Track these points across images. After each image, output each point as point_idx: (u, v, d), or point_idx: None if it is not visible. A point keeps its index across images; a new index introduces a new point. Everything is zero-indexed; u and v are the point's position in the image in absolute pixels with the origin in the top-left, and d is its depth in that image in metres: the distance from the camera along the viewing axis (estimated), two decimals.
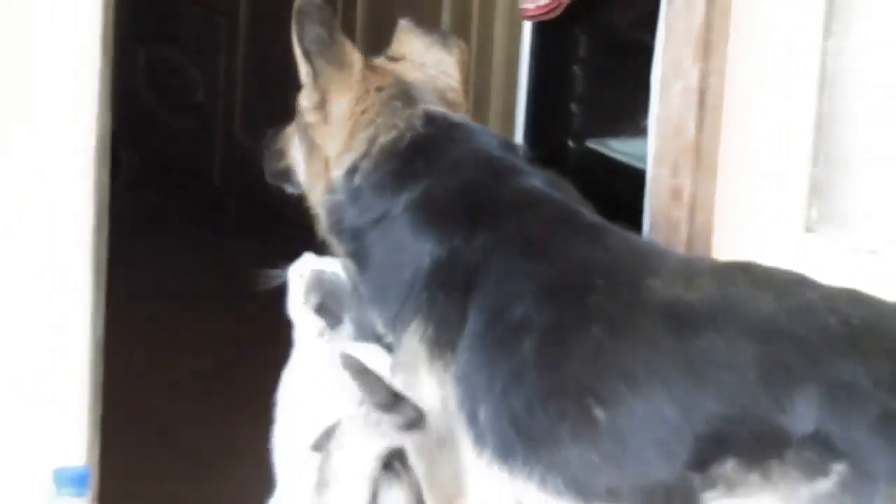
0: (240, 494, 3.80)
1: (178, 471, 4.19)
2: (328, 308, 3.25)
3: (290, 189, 3.23)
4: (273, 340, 3.35)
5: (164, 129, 6.55)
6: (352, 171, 2.97)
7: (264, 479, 3.28)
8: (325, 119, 3.00)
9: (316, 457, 3.08)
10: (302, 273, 3.17)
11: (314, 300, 3.21)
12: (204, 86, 6.43)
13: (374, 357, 3.11)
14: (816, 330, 2.71)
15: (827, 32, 3.23)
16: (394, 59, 3.13)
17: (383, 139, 2.97)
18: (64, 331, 3.12)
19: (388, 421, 2.91)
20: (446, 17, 5.29)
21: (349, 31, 5.17)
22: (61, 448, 3.17)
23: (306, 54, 2.94)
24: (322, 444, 3.09)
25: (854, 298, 2.77)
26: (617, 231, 2.99)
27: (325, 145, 3.05)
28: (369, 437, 3.04)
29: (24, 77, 3.08)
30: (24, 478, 3.18)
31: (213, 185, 6.33)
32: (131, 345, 4.12)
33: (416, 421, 2.92)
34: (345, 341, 3.29)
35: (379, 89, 3.00)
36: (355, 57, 2.97)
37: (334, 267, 3.19)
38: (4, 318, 3.12)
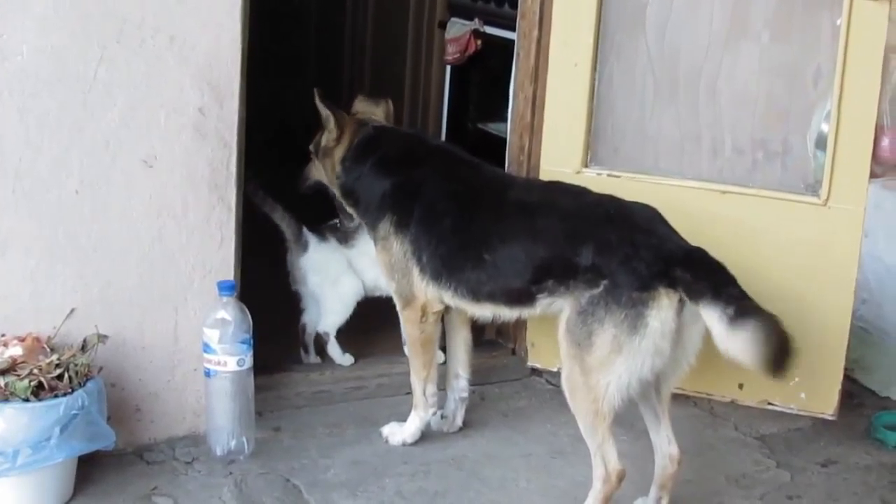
0: None
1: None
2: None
3: (309, 191, 4.75)
4: None
5: None
6: (344, 160, 4.48)
7: None
8: (339, 141, 4.49)
9: None
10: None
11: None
12: None
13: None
14: (592, 214, 4.02)
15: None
16: (356, 112, 4.63)
17: (355, 140, 4.47)
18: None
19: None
20: (410, 63, 7.29)
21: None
22: (223, 270, 4.41)
23: (332, 113, 4.48)
24: None
25: (612, 198, 4.11)
26: (489, 166, 4.55)
27: (336, 154, 4.50)
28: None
29: None
30: (205, 286, 4.35)
31: None
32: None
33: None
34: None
35: (356, 122, 4.51)
36: (344, 114, 4.51)
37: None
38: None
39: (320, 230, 5.13)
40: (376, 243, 4.43)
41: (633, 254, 3.84)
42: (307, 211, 5.17)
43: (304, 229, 5.15)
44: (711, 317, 3.69)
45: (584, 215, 4.06)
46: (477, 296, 4.25)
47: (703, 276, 3.76)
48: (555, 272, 4.00)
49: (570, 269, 3.94)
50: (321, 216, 5.18)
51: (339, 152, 4.52)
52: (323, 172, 4.63)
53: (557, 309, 4.04)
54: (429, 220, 4.30)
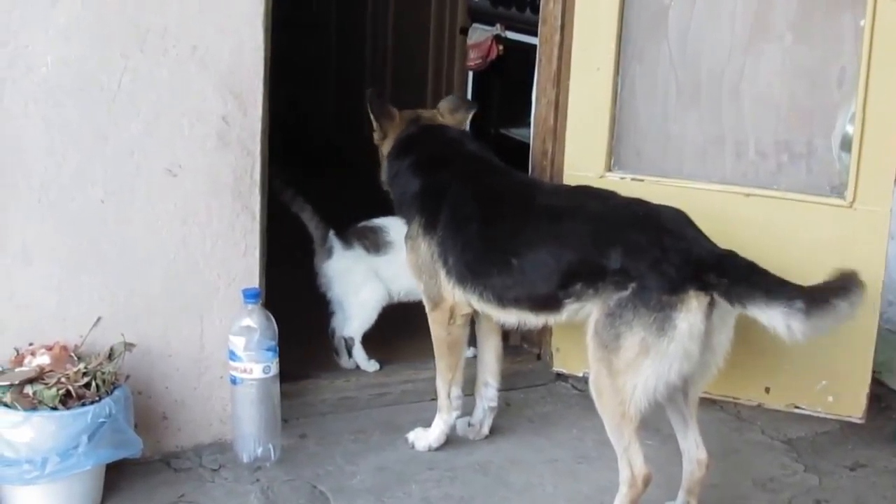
0: None
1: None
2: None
3: None
4: None
5: None
6: (388, 157, 4.56)
7: None
8: (384, 140, 4.58)
9: None
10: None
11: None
12: None
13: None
14: (621, 217, 3.99)
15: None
16: (436, 108, 4.73)
17: (398, 137, 4.55)
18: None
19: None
20: (431, 69, 7.34)
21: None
22: (248, 278, 4.41)
23: (374, 116, 4.56)
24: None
25: (640, 201, 4.07)
26: (516, 171, 4.57)
27: (383, 150, 4.60)
28: None
29: None
30: (230, 294, 4.36)
31: None
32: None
33: None
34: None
35: (404, 120, 4.59)
36: (395, 112, 4.58)
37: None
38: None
39: (347, 236, 5.14)
40: (406, 242, 4.46)
41: (663, 256, 3.81)
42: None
43: (331, 234, 5.16)
44: (772, 316, 3.65)
45: (612, 218, 4.04)
46: (503, 301, 4.23)
47: (743, 279, 3.74)
48: (583, 275, 3.98)
49: (599, 271, 3.92)
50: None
51: (385, 149, 4.60)
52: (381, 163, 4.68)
53: (584, 315, 4.00)
54: (456, 224, 4.29)
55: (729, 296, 3.73)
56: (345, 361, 5.21)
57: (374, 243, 5.16)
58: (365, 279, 5.15)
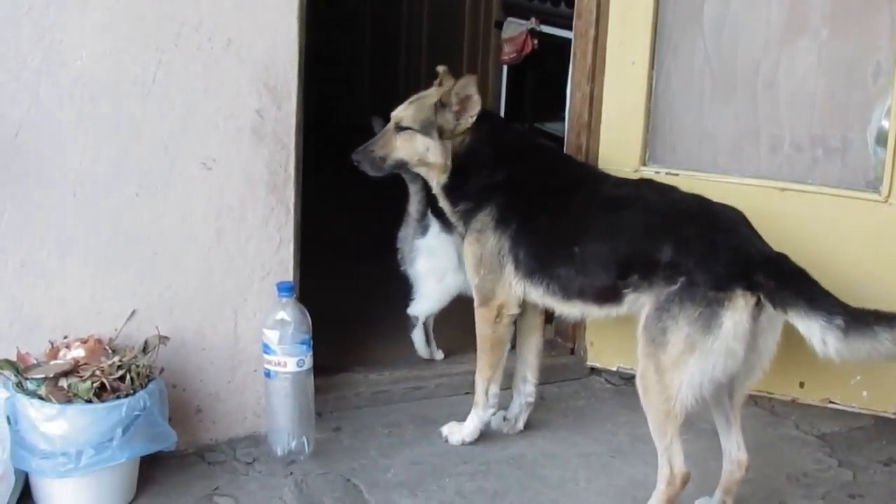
0: None
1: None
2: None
3: (383, 172, 4.52)
4: None
5: None
6: (470, 146, 4.38)
7: None
8: (459, 123, 4.35)
9: None
10: None
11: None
12: None
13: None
14: (675, 212, 4.02)
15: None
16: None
17: (485, 128, 4.37)
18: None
19: None
20: (466, 64, 7.33)
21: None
22: (282, 271, 4.42)
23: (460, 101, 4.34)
24: None
25: (697, 197, 4.07)
26: (585, 163, 4.68)
27: (456, 137, 4.38)
28: None
29: None
30: (264, 287, 4.38)
31: None
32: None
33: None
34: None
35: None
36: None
37: None
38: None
39: (445, 220, 4.92)
40: (469, 235, 4.39)
41: (712, 253, 3.82)
42: None
43: (430, 213, 5.09)
44: (810, 327, 3.64)
45: (667, 212, 4.06)
46: (567, 292, 4.24)
47: (790, 284, 3.73)
48: (637, 267, 3.99)
49: (652, 264, 3.94)
50: None
51: (459, 135, 4.39)
52: (425, 151, 4.41)
53: (640, 306, 4.01)
54: (529, 217, 4.29)
55: (773, 298, 3.73)
56: (436, 352, 5.25)
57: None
58: (452, 266, 5.11)
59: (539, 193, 4.30)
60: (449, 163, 4.37)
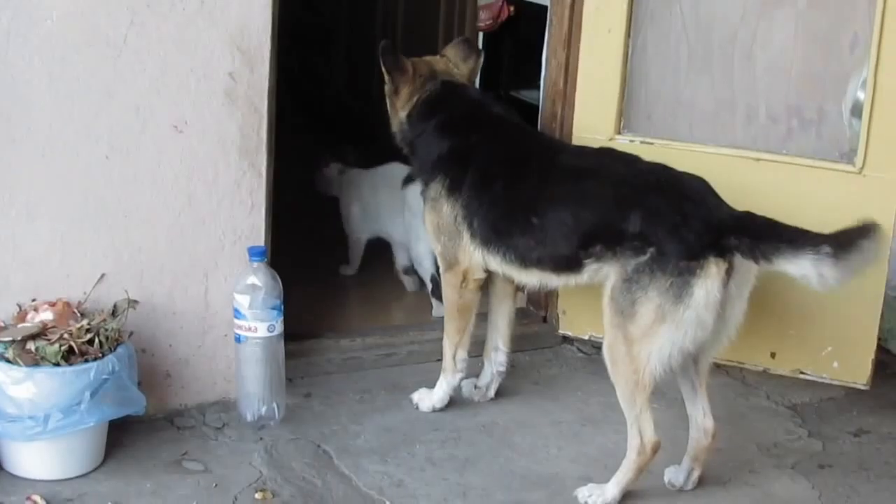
0: None
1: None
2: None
3: None
4: None
5: None
6: (408, 116, 4.49)
7: None
8: (397, 94, 4.49)
9: None
10: None
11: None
12: None
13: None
14: (642, 182, 3.99)
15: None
16: (443, 54, 4.61)
17: (421, 98, 4.45)
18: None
19: None
20: (441, 31, 7.27)
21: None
22: (254, 236, 4.40)
23: (387, 70, 4.46)
24: None
25: (663, 167, 4.07)
26: (541, 133, 4.69)
27: (395, 105, 4.52)
28: None
29: None
30: (236, 252, 4.35)
31: None
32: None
33: None
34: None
35: (420, 75, 4.47)
36: (408, 65, 4.45)
37: None
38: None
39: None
40: (426, 203, 4.43)
41: (682, 222, 3.81)
42: None
43: None
44: (801, 265, 3.66)
45: (634, 182, 4.03)
46: (525, 262, 4.22)
47: (765, 236, 3.74)
48: (602, 238, 3.98)
49: (617, 235, 3.92)
50: None
51: (400, 104, 4.52)
52: (390, 111, 4.60)
53: (604, 276, 4.00)
54: (481, 185, 4.29)
55: (753, 253, 3.74)
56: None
57: None
58: None
59: (493, 163, 4.30)
60: (397, 129, 4.53)
